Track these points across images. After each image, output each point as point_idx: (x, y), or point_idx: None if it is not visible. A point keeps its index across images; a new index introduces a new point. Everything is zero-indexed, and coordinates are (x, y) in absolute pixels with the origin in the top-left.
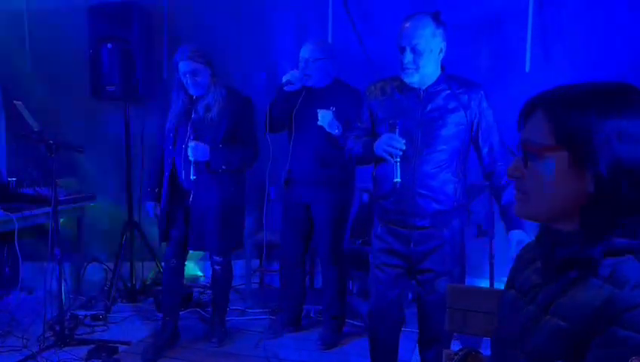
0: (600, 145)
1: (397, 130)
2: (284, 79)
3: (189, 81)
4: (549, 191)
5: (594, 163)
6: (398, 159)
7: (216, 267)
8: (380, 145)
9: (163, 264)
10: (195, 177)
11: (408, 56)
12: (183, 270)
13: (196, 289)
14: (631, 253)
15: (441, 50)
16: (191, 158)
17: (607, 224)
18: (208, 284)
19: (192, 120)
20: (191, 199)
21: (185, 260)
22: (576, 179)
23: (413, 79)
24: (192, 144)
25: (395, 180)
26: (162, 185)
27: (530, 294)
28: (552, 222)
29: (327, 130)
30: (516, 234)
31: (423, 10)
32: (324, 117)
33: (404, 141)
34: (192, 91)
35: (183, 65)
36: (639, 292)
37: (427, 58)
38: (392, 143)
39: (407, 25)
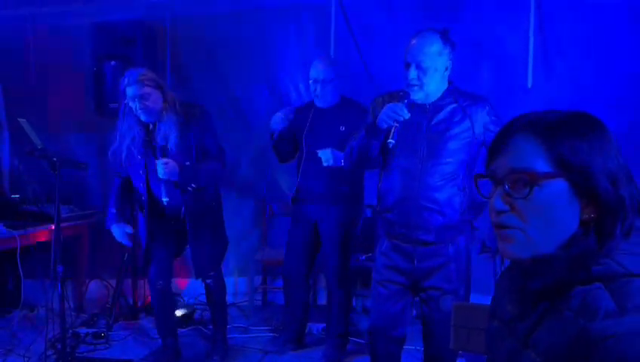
0: (601, 170)
1: (405, 102)
2: (271, 128)
3: (137, 106)
4: (551, 222)
5: (597, 188)
6: (397, 124)
7: (208, 281)
8: (384, 113)
9: (150, 287)
10: (167, 199)
11: (413, 73)
12: (170, 289)
13: (198, 307)
14: (599, 280)
15: (446, 69)
16: (161, 176)
17: (591, 252)
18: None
19: (156, 148)
20: (182, 221)
21: (171, 279)
22: (576, 206)
23: (418, 96)
24: (161, 161)
25: (389, 140)
26: (137, 212)
27: (511, 326)
28: (541, 255)
29: (334, 165)
30: None
31: (425, 26)
32: (326, 156)
33: (408, 114)
34: (143, 118)
35: (130, 90)
36: (610, 322)
37: (431, 76)
38: (396, 110)
39: (415, 41)
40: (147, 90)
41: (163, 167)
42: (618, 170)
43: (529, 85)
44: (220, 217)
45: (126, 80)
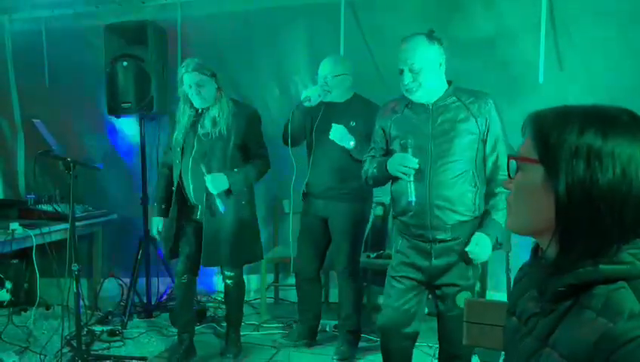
0: (564, 162)
1: (409, 150)
2: (302, 96)
3: (194, 93)
4: (525, 204)
5: (557, 180)
6: (412, 179)
7: (228, 281)
8: (394, 164)
9: (175, 279)
10: (225, 209)
11: (407, 77)
12: (195, 285)
13: (210, 305)
14: (623, 279)
15: (440, 64)
16: (213, 191)
17: (585, 248)
18: (222, 299)
19: (198, 134)
20: (198, 215)
21: (197, 275)
22: (548, 196)
23: (418, 95)
24: (209, 178)
25: (410, 199)
26: (170, 200)
27: (530, 323)
28: (534, 236)
29: (339, 143)
30: (476, 237)
31: (435, 25)
32: (336, 130)
33: (417, 160)
34: (197, 104)
35: (188, 78)
36: (633, 324)
37: (426, 74)
38: (405, 163)
39: (402, 47)
40: (203, 78)
41: (212, 182)
42: (592, 174)
43: (541, 80)
44: (251, 222)
45: (184, 68)
